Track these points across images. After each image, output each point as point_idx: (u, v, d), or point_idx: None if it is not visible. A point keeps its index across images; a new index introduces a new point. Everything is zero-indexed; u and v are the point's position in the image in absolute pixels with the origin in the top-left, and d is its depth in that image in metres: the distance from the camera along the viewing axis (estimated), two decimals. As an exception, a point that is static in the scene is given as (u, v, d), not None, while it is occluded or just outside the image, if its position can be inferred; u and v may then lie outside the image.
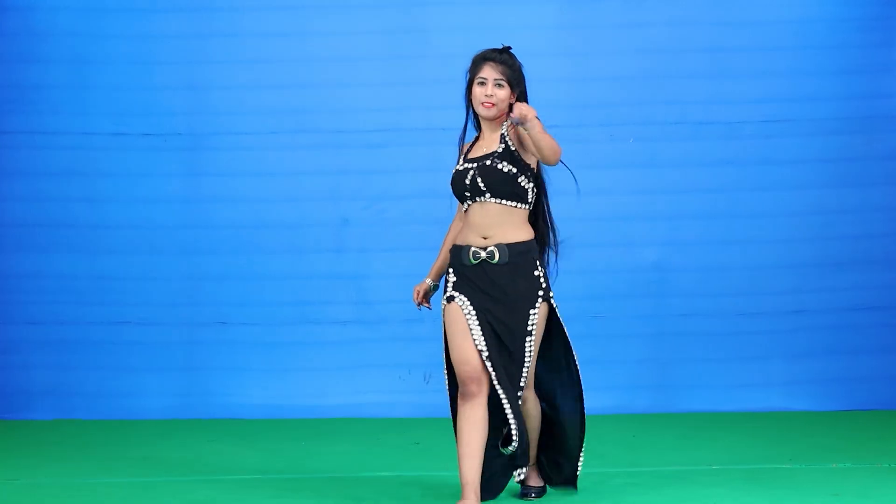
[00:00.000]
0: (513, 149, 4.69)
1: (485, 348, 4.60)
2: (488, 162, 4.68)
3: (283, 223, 7.38)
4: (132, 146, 7.37)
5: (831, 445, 6.12)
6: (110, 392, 7.30)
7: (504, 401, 4.60)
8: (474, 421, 4.55)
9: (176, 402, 7.32)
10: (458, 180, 4.73)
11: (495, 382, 4.59)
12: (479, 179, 4.66)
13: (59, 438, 6.61)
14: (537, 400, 4.86)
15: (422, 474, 4.59)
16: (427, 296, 4.89)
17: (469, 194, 4.70)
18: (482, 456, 4.56)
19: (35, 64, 7.35)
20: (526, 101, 4.76)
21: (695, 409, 7.28)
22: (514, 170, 4.68)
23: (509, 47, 4.80)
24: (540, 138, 4.45)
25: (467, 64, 4.80)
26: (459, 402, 4.61)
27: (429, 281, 4.89)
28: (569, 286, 6.92)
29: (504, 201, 4.69)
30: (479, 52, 4.77)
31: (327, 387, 7.33)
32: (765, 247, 7.37)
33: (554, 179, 4.89)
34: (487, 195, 4.67)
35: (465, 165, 4.74)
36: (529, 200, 4.74)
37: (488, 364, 4.58)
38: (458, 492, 4.72)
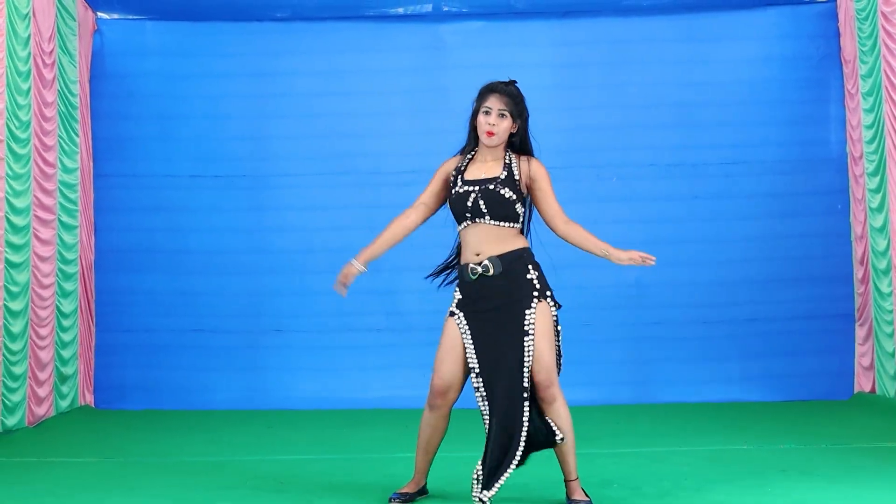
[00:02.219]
0: (516, 177, 4.22)
1: (476, 364, 4.16)
2: (491, 186, 4.19)
3: (328, 248, 7.28)
4: (206, 186, 7.37)
5: (779, 430, 6.08)
6: (188, 387, 7.26)
7: (484, 411, 4.15)
8: (435, 427, 4.30)
9: (241, 396, 7.28)
10: (458, 202, 4.23)
11: (477, 396, 4.14)
12: (481, 202, 4.18)
13: (147, 425, 6.61)
14: (565, 402, 4.22)
15: (443, 455, 4.46)
16: (350, 280, 4.28)
17: (469, 215, 4.21)
18: (435, 453, 4.39)
19: (128, 120, 7.40)
20: (527, 130, 4.29)
21: (667, 400, 7.22)
22: (514, 196, 4.21)
23: (514, 81, 4.32)
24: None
25: None
26: (426, 407, 4.28)
27: (357, 265, 4.32)
28: (563, 299, 6.84)
29: (500, 223, 4.21)
30: (486, 84, 4.29)
31: (365, 383, 7.27)
32: (724, 267, 7.32)
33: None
34: (487, 217, 4.18)
35: (466, 188, 4.23)
36: (521, 221, 4.28)
37: (477, 380, 4.14)
38: (470, 467, 4.59)
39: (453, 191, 4.26)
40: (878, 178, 6.76)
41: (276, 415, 6.97)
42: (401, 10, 7.37)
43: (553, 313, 4.25)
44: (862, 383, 7.22)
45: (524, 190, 4.28)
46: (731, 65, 7.34)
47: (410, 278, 7.02)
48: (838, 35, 7.30)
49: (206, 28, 7.38)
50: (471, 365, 4.17)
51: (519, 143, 4.33)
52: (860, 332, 7.23)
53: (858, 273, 7.20)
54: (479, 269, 4.19)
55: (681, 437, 5.95)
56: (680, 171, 7.36)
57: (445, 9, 7.39)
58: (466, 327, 4.21)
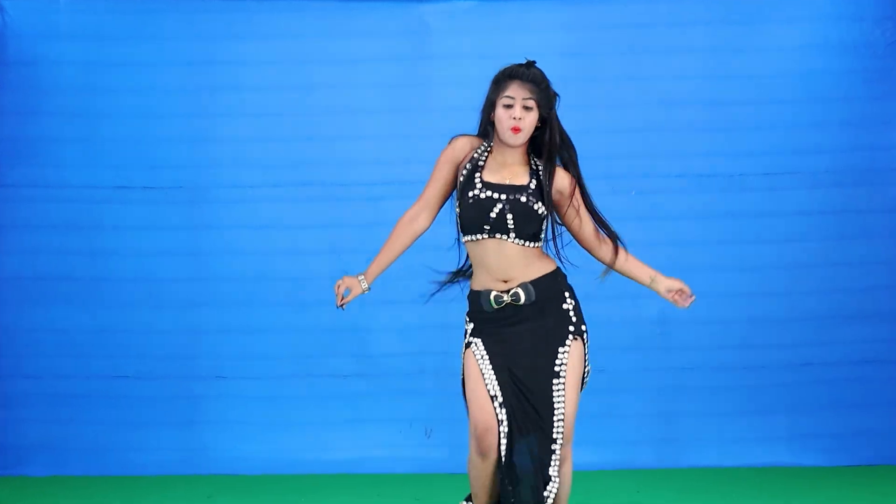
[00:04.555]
0: (545, 188, 4.18)
1: (498, 393, 4.11)
2: (522, 198, 4.13)
3: (284, 276, 7.20)
4: (134, 199, 7.22)
5: (839, 502, 6.06)
6: (107, 447, 7.11)
7: (503, 455, 4.11)
8: (488, 475, 4.15)
9: (174, 457, 7.13)
10: (477, 209, 4.13)
11: (501, 435, 4.08)
12: (508, 217, 4.12)
13: (54, 494, 6.49)
14: (570, 463, 4.27)
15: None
16: (352, 296, 4.21)
17: (488, 228, 4.13)
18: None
19: (37, 117, 7.23)
20: (555, 124, 4.28)
21: (699, 464, 7.10)
22: (544, 212, 4.16)
23: (534, 62, 4.26)
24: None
25: (471, 116, 4.35)
26: (474, 454, 4.15)
27: (362, 281, 4.22)
28: (571, 339, 7.15)
29: (525, 242, 4.15)
30: (502, 69, 4.21)
31: (328, 441, 7.15)
32: (768, 299, 7.17)
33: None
34: (511, 235, 4.12)
35: (490, 194, 4.14)
36: (543, 238, 4.26)
37: (501, 412, 4.09)
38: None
39: (470, 193, 4.16)
40: (957, 193, 6.70)
41: (219, 481, 6.88)
42: (375, -13, 7.32)
43: (586, 355, 4.27)
44: (940, 444, 7.15)
45: (552, 196, 4.23)
46: (776, 53, 7.17)
47: (384, 312, 7.11)
48: (910, 17, 7.24)
49: (135, 6, 7.23)
50: (492, 393, 4.13)
51: (544, 145, 4.27)
52: (937, 382, 7.17)
53: (935, 308, 7.16)
54: (507, 298, 4.16)
55: (716, 511, 5.75)
56: (713, 182, 7.22)
57: (430, -14, 7.34)
58: (483, 351, 4.17)
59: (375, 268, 4.26)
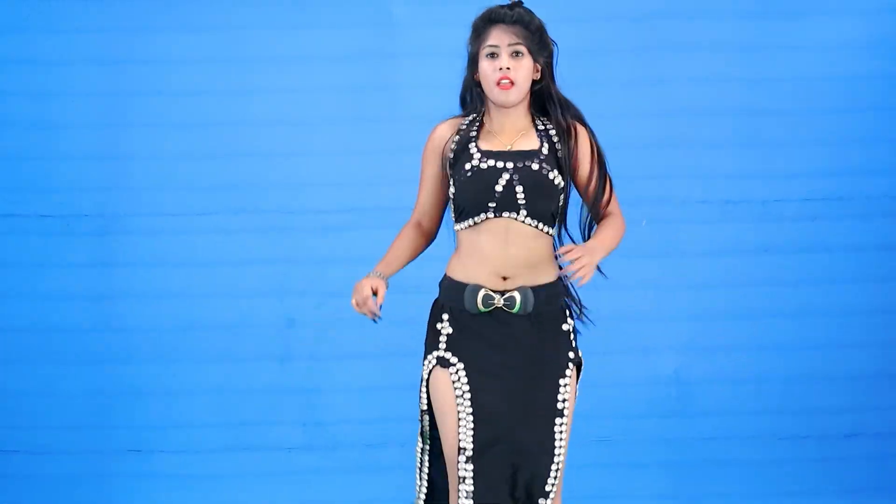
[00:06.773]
0: (559, 153, 4.04)
1: (469, 445, 3.95)
2: (534, 165, 3.98)
3: (215, 324, 6.99)
4: (26, 230, 6.97)
5: None
6: None
7: None
8: None
9: None
10: (477, 183, 3.98)
11: (461, 492, 3.94)
12: (518, 189, 3.97)
13: None
14: None
15: None
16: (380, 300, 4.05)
17: (494, 206, 3.97)
18: None
19: None
20: (553, 76, 4.18)
21: None
22: (562, 183, 4.02)
23: (520, 1, 4.11)
24: (612, 246, 3.98)
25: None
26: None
27: (381, 281, 4.03)
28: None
29: (539, 223, 4.00)
30: (480, 15, 4.10)
31: None
32: (812, 353, 7.04)
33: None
34: (522, 213, 3.97)
35: (493, 163, 4.00)
36: (558, 224, 4.13)
37: (467, 468, 3.93)
38: None
39: (467, 165, 4.02)
40: None
41: (134, 580, 6.70)
42: (330, -31, 7.26)
43: (576, 386, 4.18)
44: None
45: (573, 165, 4.09)
46: (823, 52, 7.03)
47: (339, 369, 6.95)
48: None
49: (28, -15, 7.20)
50: (462, 444, 3.98)
51: (545, 98, 4.18)
52: None
53: None
54: (500, 302, 4.01)
55: None
56: (743, 211, 7.08)
57: (396, -32, 7.32)
58: (466, 386, 4.02)
59: (386, 267, 4.05)
